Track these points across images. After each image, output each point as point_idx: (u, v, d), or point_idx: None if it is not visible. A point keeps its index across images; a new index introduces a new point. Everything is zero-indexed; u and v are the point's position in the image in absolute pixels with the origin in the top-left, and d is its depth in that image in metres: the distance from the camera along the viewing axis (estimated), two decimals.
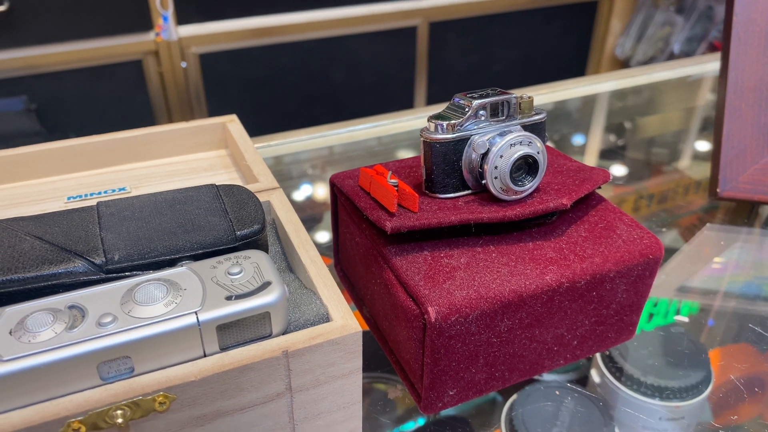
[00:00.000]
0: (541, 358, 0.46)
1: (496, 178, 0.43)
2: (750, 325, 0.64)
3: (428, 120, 0.45)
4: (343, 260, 0.55)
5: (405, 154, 0.93)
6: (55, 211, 0.41)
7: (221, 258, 0.39)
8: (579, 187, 0.46)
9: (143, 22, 1.84)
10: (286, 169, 0.89)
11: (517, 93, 0.46)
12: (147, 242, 0.39)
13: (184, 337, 0.34)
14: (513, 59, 2.44)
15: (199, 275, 0.37)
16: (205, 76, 2.00)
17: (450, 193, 0.46)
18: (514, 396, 0.55)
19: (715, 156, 0.66)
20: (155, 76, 1.95)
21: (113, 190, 0.53)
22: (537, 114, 0.47)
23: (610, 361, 0.59)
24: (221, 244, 0.40)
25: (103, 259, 0.38)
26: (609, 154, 1.00)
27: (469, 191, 0.46)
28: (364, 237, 0.47)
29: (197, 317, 0.35)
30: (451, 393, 0.44)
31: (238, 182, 0.55)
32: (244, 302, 0.36)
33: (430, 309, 0.39)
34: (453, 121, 0.44)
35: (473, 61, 2.38)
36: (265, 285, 0.37)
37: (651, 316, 0.65)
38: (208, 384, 0.35)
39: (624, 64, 2.49)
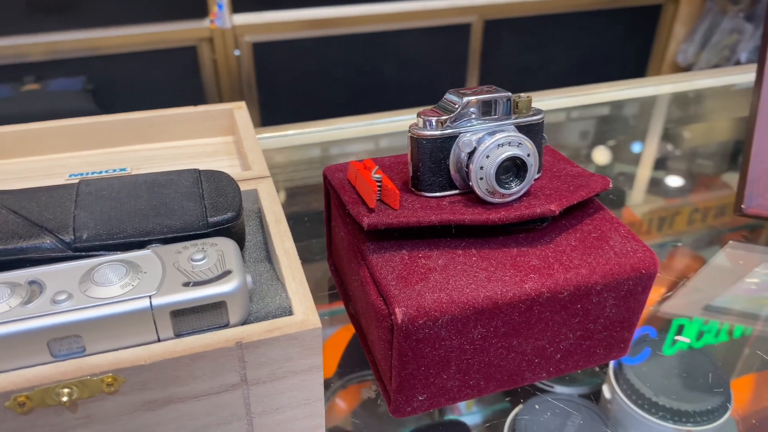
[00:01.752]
0: (520, 370, 0.44)
1: (481, 179, 0.42)
2: None
3: (417, 115, 0.43)
4: (334, 255, 0.54)
5: None
6: (38, 187, 0.42)
7: (188, 243, 0.38)
8: (573, 193, 0.44)
9: (199, 9, 1.88)
10: (323, 157, 0.88)
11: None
12: (117, 223, 0.39)
13: (137, 320, 0.34)
14: (569, 61, 2.38)
15: (162, 259, 0.37)
16: (257, 65, 2.02)
17: (436, 192, 0.44)
18: (520, 406, 0.53)
19: (743, 171, 0.62)
20: (209, 62, 1.98)
21: (114, 170, 0.54)
22: (534, 114, 0.45)
23: (622, 378, 0.57)
24: (192, 229, 0.39)
25: (72, 237, 0.38)
26: (658, 162, 0.95)
27: (457, 191, 0.45)
28: (348, 232, 0.46)
29: (150, 301, 0.34)
30: (420, 398, 0.42)
31: (238, 169, 0.55)
32: (201, 290, 0.35)
33: (397, 310, 0.38)
34: (442, 118, 0.43)
35: (528, 61, 2.33)
36: (225, 274, 0.36)
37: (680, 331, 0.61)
38: (159, 369, 0.34)
39: (685, 71, 2.40)
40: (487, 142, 0.41)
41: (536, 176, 0.46)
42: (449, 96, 0.44)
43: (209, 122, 0.59)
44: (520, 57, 2.31)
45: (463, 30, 2.20)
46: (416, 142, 0.43)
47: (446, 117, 0.43)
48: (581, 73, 2.40)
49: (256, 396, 0.38)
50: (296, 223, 0.73)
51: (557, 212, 0.42)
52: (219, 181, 0.43)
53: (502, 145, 0.41)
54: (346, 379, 0.54)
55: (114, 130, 0.57)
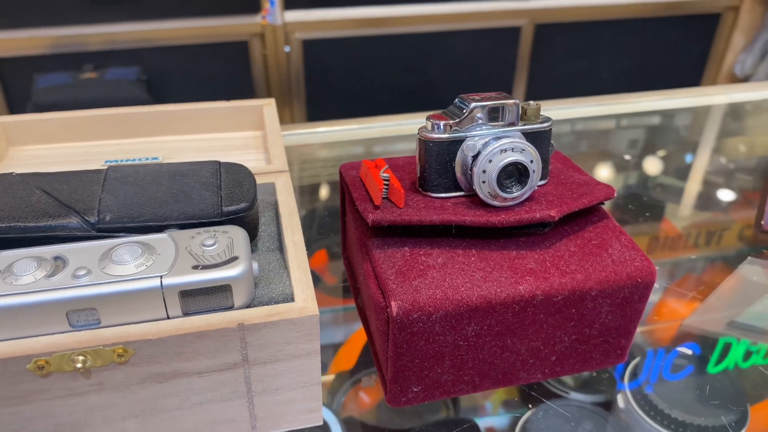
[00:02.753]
0: (515, 369, 0.45)
1: (484, 182, 0.43)
2: None
3: (426, 119, 0.45)
4: (347, 249, 0.56)
5: None
6: (72, 171, 0.45)
7: (201, 230, 0.41)
8: (575, 201, 0.45)
9: (252, 4, 1.92)
10: (366, 154, 0.90)
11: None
12: (138, 207, 0.42)
13: (148, 297, 0.37)
14: (621, 68, 2.35)
15: (176, 243, 0.40)
16: (306, 62, 2.06)
17: (441, 192, 0.46)
18: (530, 411, 0.54)
19: (764, 188, 0.62)
20: (259, 57, 2.03)
21: (147, 159, 0.57)
22: (543, 122, 0.46)
23: (637, 388, 0.57)
24: (206, 217, 0.42)
25: (96, 219, 0.41)
26: (706, 175, 0.94)
27: (462, 193, 0.46)
28: (356, 227, 0.48)
29: (161, 281, 0.37)
30: (415, 389, 0.44)
31: (262, 163, 0.58)
32: (208, 273, 0.38)
33: (393, 303, 0.40)
34: (450, 122, 0.44)
35: (578, 67, 2.31)
36: (232, 259, 0.39)
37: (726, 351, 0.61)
38: (166, 344, 0.37)
39: (742, 82, 2.34)
40: (490, 147, 0.43)
41: (542, 182, 0.48)
42: (458, 101, 0.46)
43: (239, 117, 0.62)
44: (570, 62, 2.29)
45: (513, 33, 2.20)
46: (424, 144, 0.45)
47: (453, 121, 0.44)
48: (632, 80, 2.37)
49: (257, 376, 0.40)
50: (331, 215, 0.75)
51: (556, 218, 0.43)
52: (237, 174, 0.46)
53: (505, 150, 0.43)
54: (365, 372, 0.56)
55: (149, 120, 0.60)
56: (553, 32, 2.21)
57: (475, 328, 0.42)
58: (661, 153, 0.98)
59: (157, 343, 0.37)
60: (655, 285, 0.44)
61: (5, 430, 0.38)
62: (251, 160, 0.57)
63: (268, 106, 0.62)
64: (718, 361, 0.60)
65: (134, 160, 0.57)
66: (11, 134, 0.59)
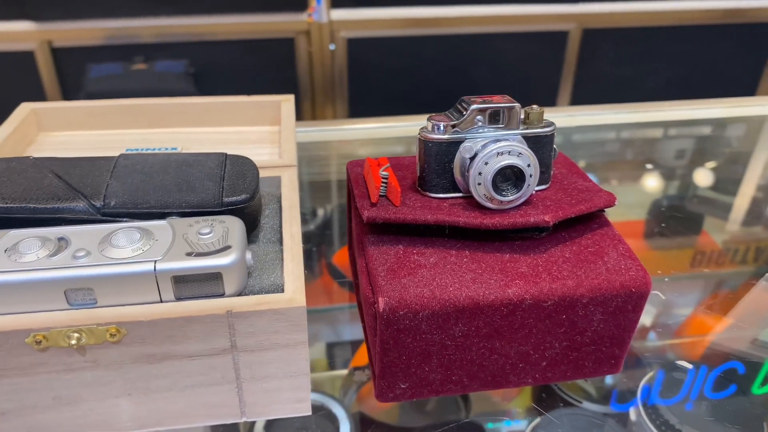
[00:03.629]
0: (505, 372, 0.45)
1: (479, 184, 0.43)
2: None
3: (427, 119, 0.46)
4: (351, 245, 0.57)
5: None
6: (85, 156, 0.47)
7: (200, 218, 0.42)
8: (573, 207, 0.45)
9: (299, 2, 1.95)
10: (407, 152, 0.91)
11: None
12: (142, 194, 0.43)
13: (141, 281, 0.39)
14: (671, 75, 2.29)
15: (174, 230, 0.41)
16: (350, 60, 2.08)
17: (440, 193, 0.46)
18: (538, 419, 0.54)
19: None
20: (304, 55, 2.06)
21: (165, 149, 0.59)
22: (545, 126, 0.46)
23: (649, 402, 0.57)
24: (206, 206, 0.44)
25: (102, 203, 0.43)
26: (756, 189, 0.91)
27: (460, 194, 0.46)
28: (357, 224, 0.49)
29: (155, 266, 0.39)
30: (403, 386, 0.44)
31: (276, 157, 0.59)
32: (200, 260, 0.39)
33: (380, 299, 0.41)
34: (450, 123, 0.45)
35: (626, 73, 2.27)
36: (225, 248, 0.40)
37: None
38: (157, 326, 0.39)
39: None
40: (487, 150, 0.43)
41: (543, 187, 0.48)
42: (460, 103, 0.46)
43: (258, 112, 0.63)
44: (618, 68, 2.25)
45: (560, 37, 2.17)
46: (423, 144, 0.45)
47: (453, 122, 0.45)
48: (683, 88, 2.31)
49: (245, 363, 0.41)
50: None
51: (551, 223, 0.43)
52: (242, 166, 0.47)
53: (502, 153, 0.43)
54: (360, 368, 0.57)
55: (171, 112, 0.62)
56: (601, 38, 2.17)
57: (462, 329, 0.42)
58: (709, 164, 0.95)
59: (149, 325, 0.39)
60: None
61: (7, 399, 0.40)
62: (265, 154, 0.59)
63: (286, 102, 0.63)
64: (765, 382, 0.59)
65: (154, 149, 0.59)
66: (42, 120, 0.62)
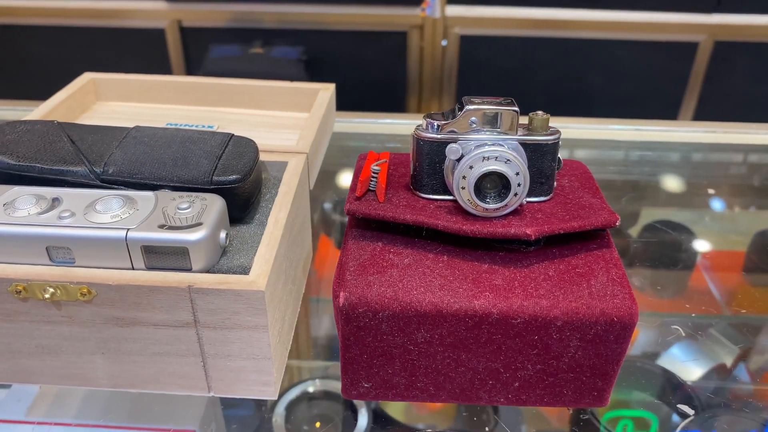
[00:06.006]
0: (474, 387, 0.43)
1: (463, 188, 0.42)
2: None
3: (424, 117, 0.44)
4: None
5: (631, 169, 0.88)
6: (104, 125, 0.50)
7: (184, 194, 0.44)
8: (565, 222, 0.42)
9: None
10: None
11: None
12: (139, 165, 0.45)
13: (114, 247, 0.40)
14: None
15: (157, 202, 0.43)
16: (461, 57, 2.06)
17: (430, 194, 0.45)
18: None
19: None
20: (416, 49, 2.06)
21: (203, 126, 0.61)
22: (549, 134, 0.43)
23: None
24: (196, 183, 0.45)
25: (101, 170, 0.45)
26: None
27: (451, 197, 0.45)
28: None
29: (126, 234, 0.40)
30: (366, 385, 0.44)
31: (293, 142, 0.59)
32: (169, 233, 0.40)
33: (341, 294, 0.40)
34: (444, 122, 0.43)
35: (760, 91, 2.08)
36: (195, 225, 0.41)
37: None
38: (123, 292, 0.40)
39: None
40: (473, 153, 0.41)
41: (542, 198, 0.45)
42: (459, 102, 0.44)
43: (295, 98, 0.64)
44: (751, 86, 2.07)
45: (688, 49, 2.03)
46: (416, 141, 0.44)
47: (448, 122, 0.43)
48: None
49: (208, 338, 0.42)
50: None
51: (532, 237, 0.40)
52: (243, 148, 0.48)
53: (488, 158, 0.41)
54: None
55: (217, 92, 0.65)
56: (735, 51, 2.01)
57: (425, 335, 0.41)
58: None
59: (116, 290, 0.40)
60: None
61: None
62: (290, 139, 0.59)
63: (324, 91, 0.63)
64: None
65: (189, 125, 0.61)
66: (100, 90, 0.66)
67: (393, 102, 2.14)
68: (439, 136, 0.43)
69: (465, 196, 0.42)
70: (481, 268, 0.42)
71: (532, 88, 2.10)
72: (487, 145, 0.41)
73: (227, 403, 0.56)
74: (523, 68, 2.07)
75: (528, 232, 0.40)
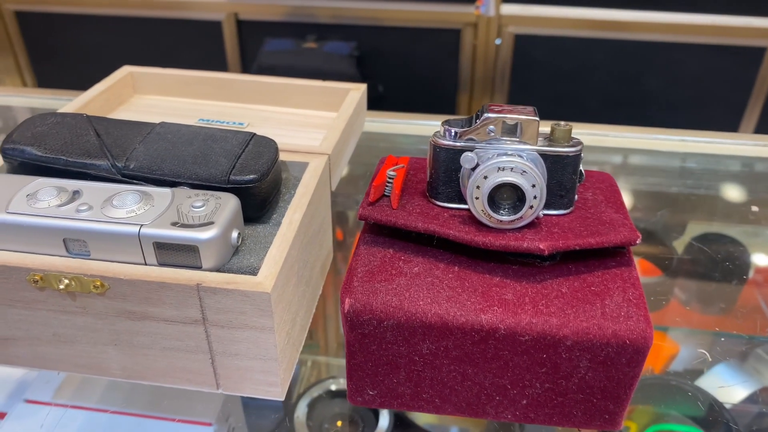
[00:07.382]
0: (480, 402, 0.42)
1: (477, 198, 0.41)
2: None
3: (442, 123, 0.43)
4: None
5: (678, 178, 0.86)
6: (130, 120, 0.51)
7: (200, 192, 0.44)
8: (582, 238, 0.40)
9: None
10: None
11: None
12: (160, 162, 0.46)
13: (127, 242, 0.41)
14: None
15: (173, 199, 0.43)
16: (515, 57, 2.03)
17: (446, 202, 0.44)
18: None
19: None
20: (469, 47, 2.04)
21: (233, 123, 0.62)
22: (571, 146, 0.42)
23: None
24: (213, 181, 0.45)
25: (123, 165, 0.46)
26: None
27: (467, 207, 0.44)
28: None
29: (140, 230, 0.41)
30: (371, 393, 0.43)
31: (317, 142, 0.59)
32: (181, 231, 0.41)
33: (347, 300, 0.40)
34: (462, 130, 0.42)
35: None
36: (207, 224, 0.41)
37: None
38: (135, 286, 0.41)
39: None
40: (488, 163, 0.40)
41: (563, 211, 0.43)
42: (480, 109, 0.43)
43: (326, 97, 0.64)
44: None
45: (755, 54, 1.94)
46: (432, 148, 0.43)
47: (466, 129, 0.42)
48: None
49: (216, 336, 0.42)
50: None
51: (545, 252, 0.39)
52: (263, 147, 0.48)
53: (503, 169, 0.40)
54: None
55: (250, 89, 0.65)
56: None
57: (430, 347, 0.40)
58: None
59: (128, 284, 0.41)
60: None
61: (16, 327, 0.45)
62: (317, 139, 0.59)
63: (354, 92, 0.63)
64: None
65: (221, 121, 0.62)
66: (138, 83, 0.67)
67: (443, 100, 2.13)
68: (456, 144, 0.42)
69: (479, 206, 0.41)
70: (491, 281, 0.40)
71: (587, 91, 2.05)
72: (503, 155, 0.40)
73: (248, 398, 0.56)
74: (578, 70, 2.02)
75: (541, 246, 0.39)
